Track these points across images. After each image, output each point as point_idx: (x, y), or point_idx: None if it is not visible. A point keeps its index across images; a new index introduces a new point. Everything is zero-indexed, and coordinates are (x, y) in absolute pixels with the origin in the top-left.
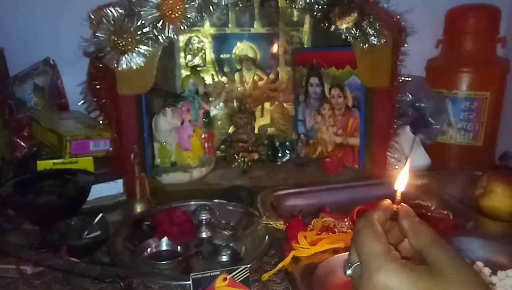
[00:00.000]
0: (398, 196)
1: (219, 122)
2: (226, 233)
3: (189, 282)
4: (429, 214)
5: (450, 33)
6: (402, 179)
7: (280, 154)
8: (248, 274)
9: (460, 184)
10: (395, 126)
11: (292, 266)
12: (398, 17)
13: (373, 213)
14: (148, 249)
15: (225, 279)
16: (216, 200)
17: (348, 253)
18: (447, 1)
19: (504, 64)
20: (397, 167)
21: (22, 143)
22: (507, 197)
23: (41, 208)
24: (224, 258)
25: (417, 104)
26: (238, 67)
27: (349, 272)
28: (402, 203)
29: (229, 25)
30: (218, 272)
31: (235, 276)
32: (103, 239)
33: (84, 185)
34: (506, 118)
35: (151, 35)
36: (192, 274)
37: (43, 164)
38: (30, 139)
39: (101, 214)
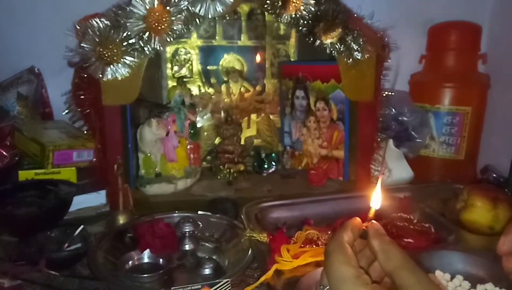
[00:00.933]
0: (372, 214)
1: (205, 133)
2: (209, 245)
3: None
4: (411, 227)
5: (433, 49)
6: (376, 197)
7: (266, 166)
8: (229, 288)
9: (442, 197)
10: (378, 139)
11: (275, 279)
12: (382, 32)
13: (343, 234)
14: (130, 262)
15: None
16: (200, 212)
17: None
18: (429, 17)
19: (485, 80)
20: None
21: (4, 153)
22: (486, 211)
23: (19, 220)
24: (207, 271)
25: (400, 118)
26: (225, 79)
27: None
28: (372, 221)
29: (216, 37)
30: (199, 286)
31: None
32: (83, 252)
33: (65, 196)
34: (487, 133)
35: (137, 47)
36: (173, 288)
37: (24, 174)
38: (12, 148)
39: (82, 226)
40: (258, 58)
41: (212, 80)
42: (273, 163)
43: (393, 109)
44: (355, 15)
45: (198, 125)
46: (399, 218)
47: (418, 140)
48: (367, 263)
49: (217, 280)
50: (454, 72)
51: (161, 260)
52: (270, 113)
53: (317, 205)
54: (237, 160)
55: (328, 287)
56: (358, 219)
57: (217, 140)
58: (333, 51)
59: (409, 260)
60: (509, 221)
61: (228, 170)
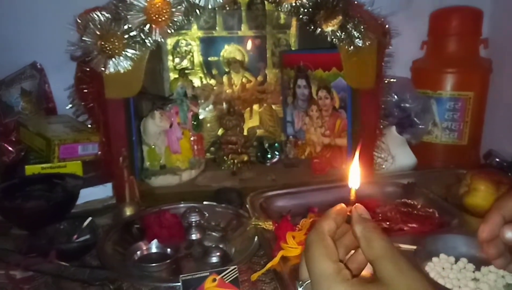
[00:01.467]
0: (353, 195)
1: (208, 125)
2: (215, 234)
3: (179, 284)
4: (415, 212)
5: (434, 35)
6: (354, 176)
7: (269, 156)
8: (237, 274)
9: (445, 182)
10: (381, 126)
11: (281, 266)
12: (382, 19)
13: (324, 224)
14: (138, 252)
15: (214, 279)
16: (205, 202)
17: None
18: (430, 3)
19: (486, 64)
20: (384, 166)
21: (10, 148)
22: (490, 194)
23: (29, 213)
24: (214, 260)
25: (402, 105)
26: (226, 70)
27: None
28: (356, 204)
29: (217, 28)
30: (208, 273)
31: (224, 277)
32: (92, 243)
33: (73, 189)
34: (489, 117)
35: (138, 39)
36: (181, 275)
37: (31, 169)
38: (18, 143)
39: (90, 218)
40: (249, 44)
41: (214, 71)
42: (276, 153)
43: (395, 96)
44: (356, 2)
45: (201, 116)
46: (403, 203)
47: (420, 126)
48: (345, 252)
49: (224, 268)
50: (456, 58)
51: (168, 249)
52: (272, 103)
53: (321, 193)
54: (241, 151)
55: (308, 281)
56: (342, 206)
57: (220, 131)
58: (334, 39)
59: (392, 249)
60: (490, 208)
61: (231, 160)
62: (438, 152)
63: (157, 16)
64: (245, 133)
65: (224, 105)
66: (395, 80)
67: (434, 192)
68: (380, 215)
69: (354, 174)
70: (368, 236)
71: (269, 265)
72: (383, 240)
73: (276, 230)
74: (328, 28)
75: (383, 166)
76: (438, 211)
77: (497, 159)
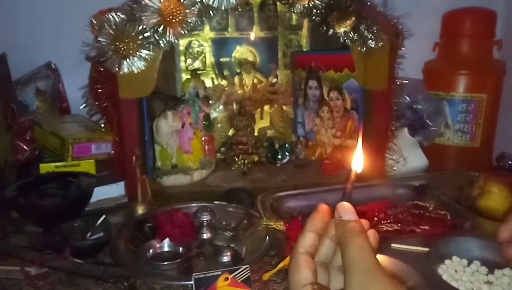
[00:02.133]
0: (353, 175)
1: (219, 125)
2: (227, 234)
3: (191, 282)
4: (426, 214)
5: (447, 36)
6: (358, 159)
7: (279, 156)
8: (249, 274)
9: (458, 185)
10: (393, 128)
11: None
12: (395, 20)
13: (298, 245)
14: (150, 250)
15: (226, 278)
16: (216, 202)
17: None
18: (443, 4)
19: (500, 66)
20: (395, 168)
21: (25, 147)
22: (503, 197)
23: (44, 211)
24: (225, 259)
25: (414, 106)
26: (238, 71)
27: None
28: (340, 203)
29: (229, 29)
30: (220, 272)
31: (236, 276)
32: (106, 241)
33: (87, 187)
34: (502, 120)
35: (152, 40)
36: (194, 274)
37: (45, 167)
38: (33, 142)
39: (103, 216)
40: (252, 36)
41: (225, 72)
42: (287, 154)
43: (407, 98)
44: (369, 3)
45: (212, 117)
46: (415, 205)
47: (433, 128)
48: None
49: (236, 267)
50: (469, 59)
51: (180, 248)
52: (283, 104)
53: (332, 194)
54: (251, 151)
55: None
56: (319, 211)
57: (230, 132)
58: (346, 40)
59: (362, 260)
60: (510, 209)
61: (242, 161)
62: (450, 154)
63: (171, 17)
64: (256, 133)
65: (235, 105)
66: (407, 81)
67: (446, 194)
68: (391, 217)
69: (359, 159)
70: (344, 242)
71: (280, 265)
72: (355, 250)
73: (288, 230)
74: (341, 29)
75: (395, 168)
76: (450, 213)
77: (510, 162)
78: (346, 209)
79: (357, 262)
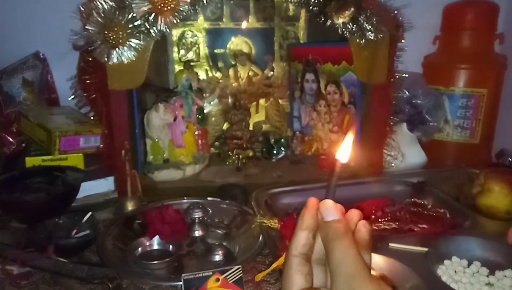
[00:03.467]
0: (338, 167)
1: (213, 118)
2: (219, 231)
3: (181, 283)
4: (425, 212)
5: (448, 29)
6: (345, 149)
7: (275, 151)
8: (241, 274)
9: (456, 182)
10: (391, 123)
11: None
12: (395, 12)
13: (291, 248)
14: (139, 249)
15: (217, 279)
16: (209, 198)
17: None
18: None
19: (501, 60)
20: (393, 164)
21: (11, 139)
22: (504, 195)
23: (28, 206)
24: (217, 258)
25: (413, 101)
26: (233, 62)
27: None
28: (323, 201)
29: (224, 19)
30: (211, 273)
31: (228, 277)
32: (92, 238)
33: (73, 182)
34: (503, 116)
35: (143, 29)
36: (183, 274)
37: (31, 161)
38: (19, 135)
39: (90, 213)
40: (244, 24)
41: (220, 64)
42: (282, 149)
43: (407, 92)
44: None
45: (206, 110)
46: (413, 203)
47: (432, 123)
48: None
49: (228, 267)
50: (470, 53)
51: (170, 246)
52: (279, 98)
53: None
54: (246, 146)
55: None
56: (309, 210)
57: (225, 126)
58: (345, 32)
59: (346, 266)
60: None
61: (236, 156)
62: (449, 150)
63: (162, 5)
64: (251, 128)
65: (230, 99)
66: (407, 75)
67: (445, 192)
68: (389, 214)
69: (346, 149)
70: (327, 246)
71: (274, 265)
72: (338, 254)
73: (282, 228)
74: (339, 20)
75: (393, 164)
76: (449, 211)
77: (510, 159)
78: (328, 208)
79: (340, 267)
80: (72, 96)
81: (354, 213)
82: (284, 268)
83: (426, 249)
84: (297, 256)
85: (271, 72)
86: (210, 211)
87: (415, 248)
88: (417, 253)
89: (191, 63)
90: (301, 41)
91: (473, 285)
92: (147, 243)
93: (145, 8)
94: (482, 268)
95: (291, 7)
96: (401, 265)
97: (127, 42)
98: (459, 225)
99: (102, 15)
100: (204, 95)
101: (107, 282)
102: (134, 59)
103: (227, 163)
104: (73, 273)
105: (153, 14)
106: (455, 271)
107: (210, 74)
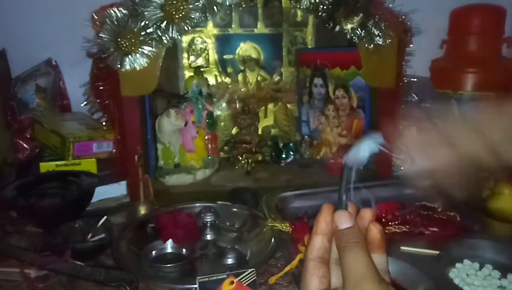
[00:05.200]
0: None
1: (222, 123)
2: (231, 235)
3: (195, 286)
4: (435, 216)
5: (455, 33)
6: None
7: (283, 155)
8: (255, 277)
9: (467, 185)
10: (400, 127)
11: (299, 269)
12: (403, 17)
13: (308, 252)
14: (153, 252)
15: (232, 282)
16: (220, 202)
17: None
18: (451, 1)
19: (509, 64)
20: (402, 168)
21: (25, 145)
22: None
23: (44, 211)
24: (230, 261)
25: (422, 105)
26: (242, 68)
27: None
28: (339, 210)
29: (232, 25)
30: (225, 276)
31: (242, 280)
32: (107, 242)
33: (88, 187)
34: None
35: (155, 36)
36: (198, 277)
37: (46, 166)
38: (33, 140)
39: (105, 217)
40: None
41: (229, 70)
42: (291, 153)
43: (415, 96)
44: None
45: (215, 115)
46: (423, 206)
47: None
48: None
49: (242, 270)
50: (477, 57)
51: (184, 250)
52: (288, 102)
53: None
54: (255, 150)
55: None
56: (323, 215)
57: (234, 130)
58: (353, 37)
59: (355, 273)
60: None
61: (246, 160)
62: None
63: (174, 12)
64: (260, 132)
65: (239, 104)
66: (415, 79)
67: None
68: (399, 218)
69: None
70: (340, 253)
71: (287, 268)
72: (349, 261)
73: (293, 232)
74: (348, 26)
75: (402, 168)
76: (459, 214)
77: None
78: (341, 216)
79: (351, 272)
80: (85, 102)
81: (367, 212)
82: (302, 272)
83: (437, 252)
84: (313, 259)
85: (279, 77)
86: (221, 215)
87: (426, 251)
88: (428, 256)
89: (201, 69)
90: (309, 46)
91: (486, 288)
92: (161, 247)
93: (157, 16)
94: (494, 271)
95: (299, 13)
96: (412, 268)
97: (140, 49)
98: (470, 229)
99: (115, 23)
100: (214, 100)
101: (125, 285)
102: (146, 65)
103: (237, 167)
104: (91, 276)
105: (165, 22)
106: (467, 274)
107: (219, 80)
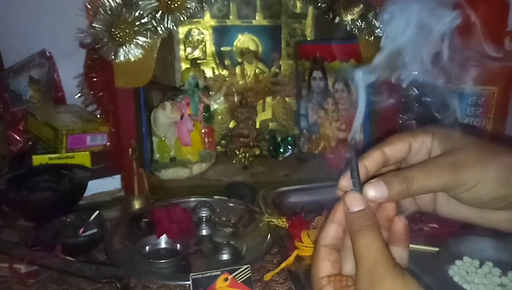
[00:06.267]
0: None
1: (219, 117)
2: (226, 230)
3: (189, 282)
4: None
5: (457, 26)
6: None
7: (281, 150)
8: (250, 274)
9: None
10: (400, 121)
11: (296, 265)
12: None
13: (321, 239)
14: (147, 247)
15: (226, 279)
16: (216, 197)
17: None
18: None
19: None
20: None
21: (18, 137)
22: None
23: (35, 205)
24: (225, 257)
25: (422, 99)
26: (239, 60)
27: None
28: (351, 192)
29: (230, 16)
30: (219, 272)
31: (236, 276)
32: (99, 237)
33: (80, 181)
34: None
35: (150, 26)
36: (192, 274)
37: (38, 159)
38: (26, 133)
39: (97, 211)
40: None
41: (226, 62)
42: (289, 147)
43: (415, 90)
44: None
45: (212, 108)
46: None
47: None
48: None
49: (237, 267)
50: (479, 50)
51: (178, 245)
52: (286, 96)
53: (336, 189)
54: (252, 144)
55: None
56: (340, 208)
57: (231, 124)
58: (353, 29)
59: (369, 257)
60: None
61: (243, 154)
62: None
63: (169, 2)
64: (257, 126)
65: (236, 97)
66: (416, 72)
67: None
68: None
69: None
70: (352, 237)
71: (283, 265)
72: (362, 246)
73: (290, 227)
74: (348, 17)
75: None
76: None
77: None
78: (353, 198)
79: (363, 258)
80: (79, 94)
81: (391, 204)
82: (312, 257)
83: (437, 249)
84: (325, 245)
85: (278, 70)
86: (217, 210)
87: (426, 248)
88: (428, 253)
89: (198, 61)
90: (308, 39)
91: (486, 286)
92: (155, 242)
93: (152, 6)
94: (494, 268)
95: (298, 4)
96: (411, 265)
97: (134, 40)
98: (470, 225)
99: (109, 12)
100: (211, 93)
101: (115, 282)
102: (141, 57)
103: (234, 161)
104: (81, 272)
105: (160, 12)
106: (467, 272)
107: (216, 72)
